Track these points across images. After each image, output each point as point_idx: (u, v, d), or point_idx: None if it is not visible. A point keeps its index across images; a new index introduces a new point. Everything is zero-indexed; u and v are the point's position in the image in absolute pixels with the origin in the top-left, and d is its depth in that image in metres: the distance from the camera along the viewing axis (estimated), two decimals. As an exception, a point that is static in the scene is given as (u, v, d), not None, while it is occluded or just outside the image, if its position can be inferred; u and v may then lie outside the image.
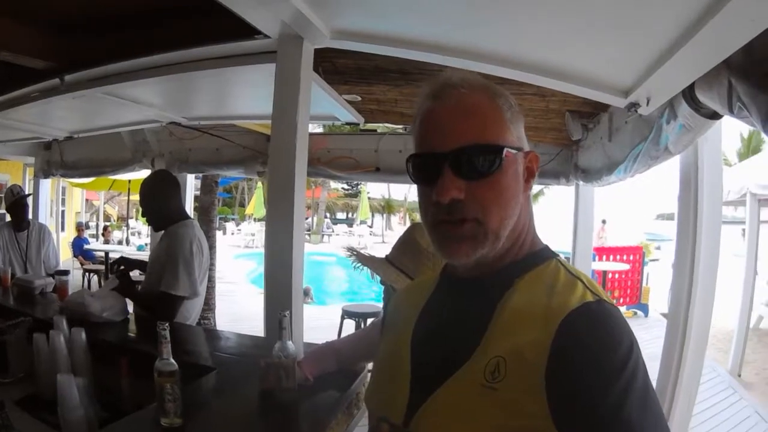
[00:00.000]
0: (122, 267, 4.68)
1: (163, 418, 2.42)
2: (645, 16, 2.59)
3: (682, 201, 4.54)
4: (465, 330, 1.39)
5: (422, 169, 1.41)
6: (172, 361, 2.43)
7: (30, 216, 7.45)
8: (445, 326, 1.47)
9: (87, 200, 29.44)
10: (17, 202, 6.97)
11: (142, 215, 4.79)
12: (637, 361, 1.16)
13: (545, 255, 1.48)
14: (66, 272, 5.19)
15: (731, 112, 2.72)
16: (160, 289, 4.32)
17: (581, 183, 7.00)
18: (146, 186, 4.75)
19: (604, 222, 25.19)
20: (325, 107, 5.33)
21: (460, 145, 1.32)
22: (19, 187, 7.40)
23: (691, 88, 3.11)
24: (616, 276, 14.68)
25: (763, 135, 23.41)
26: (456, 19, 3.19)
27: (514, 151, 1.38)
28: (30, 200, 8.11)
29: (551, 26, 3.04)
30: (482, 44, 3.44)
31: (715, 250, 4.38)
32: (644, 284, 15.46)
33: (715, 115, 3.16)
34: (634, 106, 3.63)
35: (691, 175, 4.27)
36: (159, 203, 4.64)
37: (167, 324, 2.43)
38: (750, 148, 24.96)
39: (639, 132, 4.49)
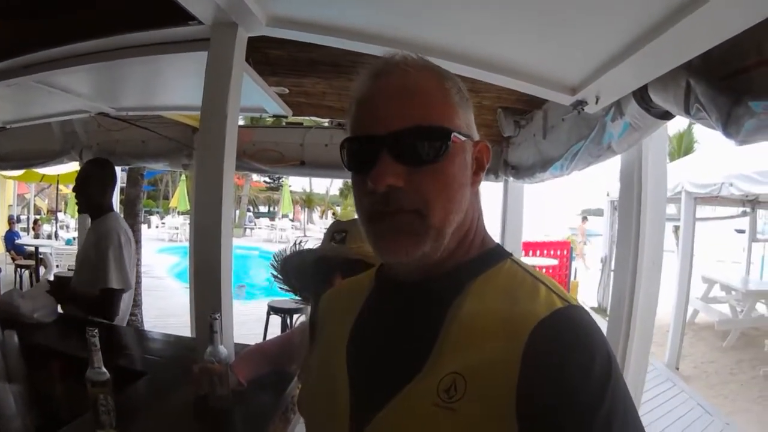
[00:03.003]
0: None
1: (99, 431, 2.34)
2: (603, 14, 2.56)
3: (623, 200, 4.52)
4: (410, 342, 1.23)
5: (357, 154, 1.24)
6: (104, 370, 2.35)
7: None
8: (386, 338, 1.30)
9: (18, 195, 28.92)
10: None
11: (73, 190, 4.68)
12: (618, 372, 1.05)
13: (498, 255, 1.31)
14: (-4, 271, 5.08)
15: (688, 113, 2.70)
16: (98, 288, 4.28)
17: (511, 180, 7.00)
18: (86, 170, 4.75)
19: (585, 219, 24.08)
20: (254, 99, 5.20)
21: (401, 126, 1.16)
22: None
23: (643, 87, 3.07)
24: (543, 271, 14.63)
25: (694, 135, 23.91)
26: (399, 9, 3.13)
27: (462, 138, 1.23)
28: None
29: (498, 19, 2.98)
30: (425, 36, 3.38)
31: (659, 248, 4.37)
32: (572, 279, 15.71)
33: (666, 115, 3.13)
34: (580, 104, 3.60)
35: (634, 173, 4.24)
36: (96, 189, 4.62)
37: (96, 330, 2.33)
38: (681, 147, 25.30)
39: (577, 130, 4.48)
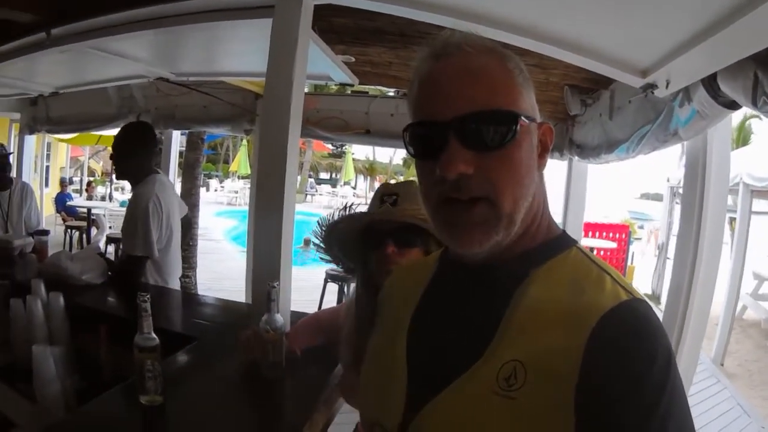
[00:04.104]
0: None
1: (142, 396, 2.31)
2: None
3: (686, 190, 4.49)
4: (471, 327, 1.21)
5: (423, 140, 1.21)
6: (153, 335, 2.32)
7: (14, 174, 7.27)
8: (448, 321, 1.28)
9: (72, 158, 29.22)
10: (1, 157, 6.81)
11: (110, 158, 4.68)
12: (677, 368, 1.03)
13: (563, 242, 1.27)
14: (46, 232, 5.11)
15: (755, 105, 2.64)
16: (124, 253, 4.43)
17: (576, 159, 6.92)
18: (119, 135, 4.71)
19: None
20: (319, 67, 5.14)
21: (468, 111, 1.11)
22: (2, 145, 7.24)
23: (712, 75, 3.00)
24: (602, 253, 14.61)
25: (752, 128, 23.48)
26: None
27: (528, 121, 1.17)
28: (14, 158, 8.02)
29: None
30: (494, 8, 3.29)
31: (719, 240, 4.33)
32: (629, 263, 15.55)
33: (733, 105, 3.07)
34: (650, 87, 3.54)
35: (699, 162, 4.20)
36: (128, 155, 4.56)
37: (148, 296, 2.31)
38: (740, 138, 24.82)
39: (643, 113, 4.40)
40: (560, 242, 1.27)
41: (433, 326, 1.31)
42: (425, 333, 1.32)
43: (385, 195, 2.30)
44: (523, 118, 1.15)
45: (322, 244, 2.42)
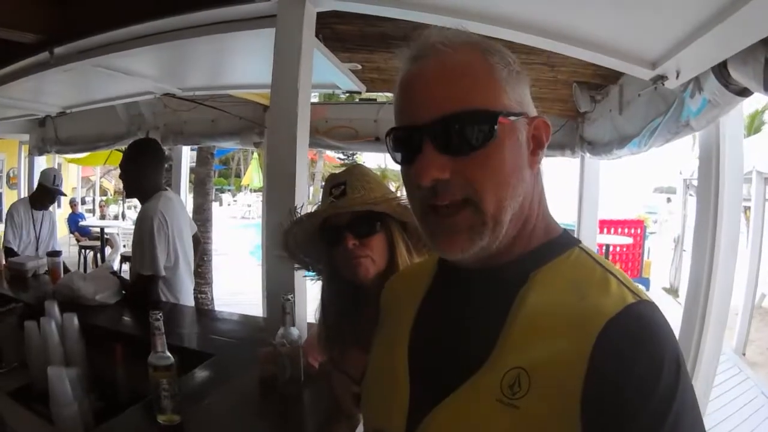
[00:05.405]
0: None
1: (159, 415, 2.30)
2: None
3: (701, 180, 4.46)
4: (473, 332, 1.20)
5: (401, 145, 1.19)
6: (168, 354, 2.31)
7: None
8: (449, 326, 1.26)
9: (83, 177, 29.36)
10: (56, 192, 7.02)
11: (119, 176, 4.68)
12: (686, 377, 1.00)
13: (564, 243, 1.24)
14: (58, 253, 5.10)
15: (767, 90, 2.63)
16: (134, 272, 4.42)
17: (588, 156, 6.86)
18: (126, 153, 4.73)
19: None
20: (325, 75, 5.12)
21: (441, 114, 1.09)
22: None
23: (722, 62, 2.99)
24: (618, 249, 14.68)
25: (764, 118, 23.38)
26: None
27: (513, 118, 1.14)
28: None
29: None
30: (499, 6, 3.27)
31: (736, 229, 4.30)
32: (645, 258, 15.51)
33: (744, 92, 3.05)
34: (660, 78, 3.52)
35: (712, 152, 4.17)
36: (134, 172, 4.54)
37: (160, 314, 2.29)
38: (753, 127, 24.65)
39: (654, 106, 4.38)
40: (560, 243, 1.25)
41: (433, 332, 1.30)
42: (426, 339, 1.31)
43: (333, 187, 2.27)
44: (503, 115, 1.12)
45: (285, 254, 2.39)
